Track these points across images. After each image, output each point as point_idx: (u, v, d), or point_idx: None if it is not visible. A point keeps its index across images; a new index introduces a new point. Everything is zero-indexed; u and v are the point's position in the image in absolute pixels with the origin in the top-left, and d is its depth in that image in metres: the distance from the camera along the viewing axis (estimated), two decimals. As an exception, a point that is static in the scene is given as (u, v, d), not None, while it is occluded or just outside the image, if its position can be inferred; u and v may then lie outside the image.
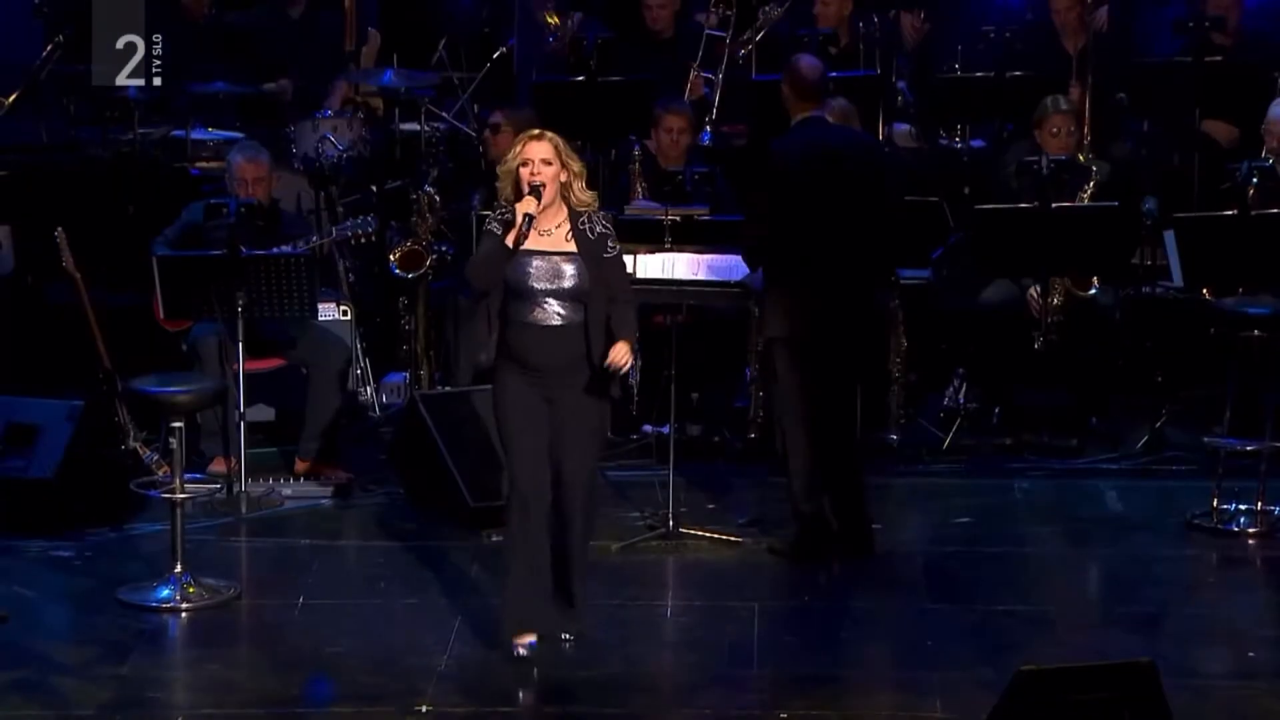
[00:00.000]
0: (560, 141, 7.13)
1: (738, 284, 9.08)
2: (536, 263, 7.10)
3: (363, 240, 10.07)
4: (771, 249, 8.48)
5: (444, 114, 11.93)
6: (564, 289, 7.10)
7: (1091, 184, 10.08)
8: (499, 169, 7.22)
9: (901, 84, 11.77)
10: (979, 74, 11.50)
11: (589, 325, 7.11)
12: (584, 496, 7.27)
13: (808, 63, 8.70)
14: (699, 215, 9.87)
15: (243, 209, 9.45)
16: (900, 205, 9.43)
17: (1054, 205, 9.75)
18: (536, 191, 7.02)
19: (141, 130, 11.47)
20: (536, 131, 7.18)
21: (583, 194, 7.16)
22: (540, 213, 7.05)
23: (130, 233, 10.84)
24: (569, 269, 7.11)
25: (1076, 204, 9.92)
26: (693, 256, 9.38)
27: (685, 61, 11.59)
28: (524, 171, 7.06)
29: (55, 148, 11.48)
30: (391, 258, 10.54)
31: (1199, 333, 10.19)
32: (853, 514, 8.60)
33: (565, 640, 7.44)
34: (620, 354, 7.08)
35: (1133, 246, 10.37)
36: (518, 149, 7.10)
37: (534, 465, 7.17)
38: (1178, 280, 9.52)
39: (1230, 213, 9.39)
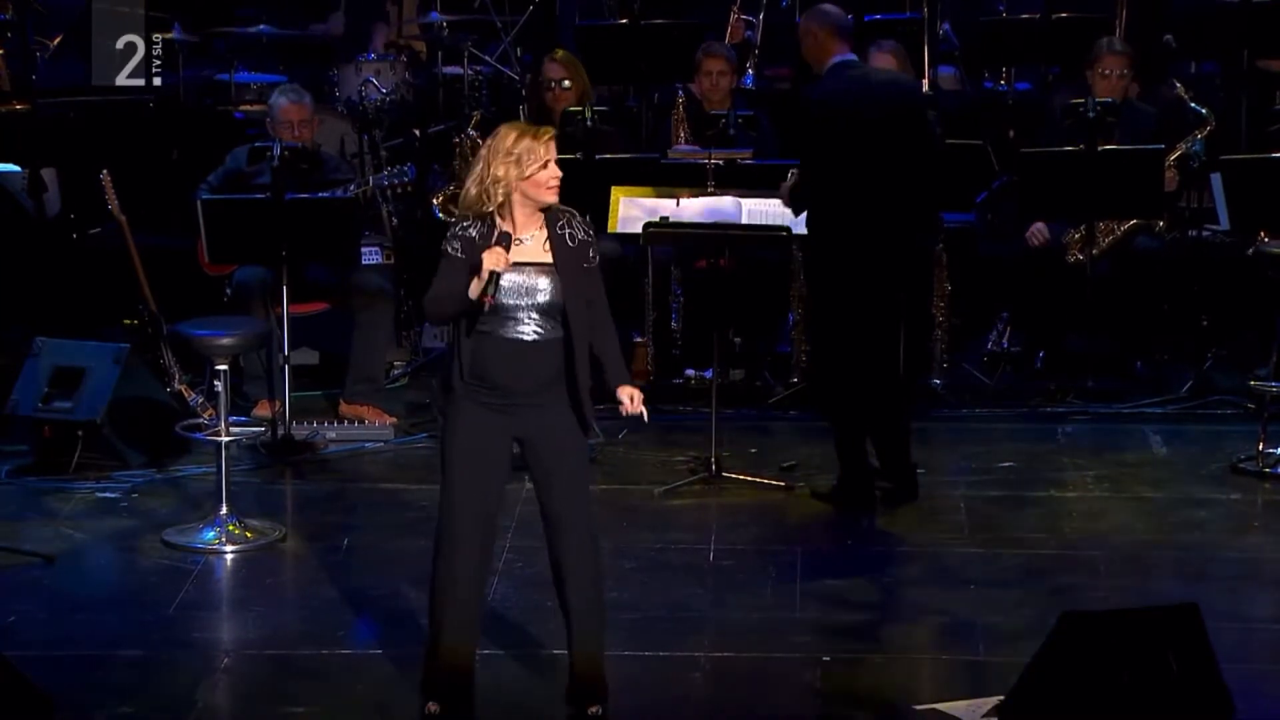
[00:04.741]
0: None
1: (781, 228, 9.06)
2: (509, 276, 6.25)
3: (399, 191, 10.04)
4: (814, 194, 8.45)
5: (487, 57, 11.90)
6: (538, 304, 6.29)
7: (1205, 130, 10.04)
8: (496, 161, 6.23)
9: (946, 26, 11.70)
10: (1024, 16, 11.43)
11: (571, 341, 6.32)
12: (590, 543, 6.45)
13: (829, 7, 8.62)
14: (742, 158, 9.85)
15: (286, 153, 9.44)
16: (942, 148, 9.39)
17: (1099, 149, 9.70)
18: (505, 239, 6.22)
19: (184, 73, 11.46)
20: (552, 131, 6.35)
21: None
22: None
23: (174, 176, 10.86)
24: (544, 283, 6.29)
25: (1121, 147, 9.86)
26: (736, 200, 9.36)
27: (728, 5, 11.54)
28: (544, 176, 6.24)
29: (99, 90, 11.49)
30: (434, 201, 10.54)
31: (1245, 276, 10.15)
32: (896, 458, 8.59)
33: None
34: (637, 399, 6.39)
35: (1179, 189, 10.30)
36: (539, 151, 6.22)
37: (475, 502, 6.41)
38: (1225, 223, 9.47)
39: (1278, 155, 9.32)
